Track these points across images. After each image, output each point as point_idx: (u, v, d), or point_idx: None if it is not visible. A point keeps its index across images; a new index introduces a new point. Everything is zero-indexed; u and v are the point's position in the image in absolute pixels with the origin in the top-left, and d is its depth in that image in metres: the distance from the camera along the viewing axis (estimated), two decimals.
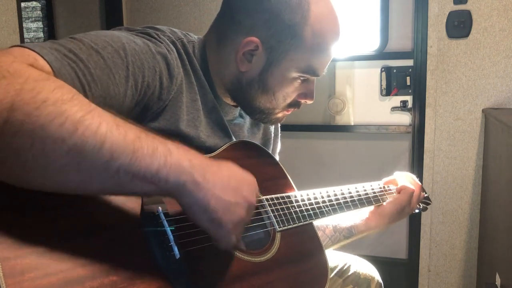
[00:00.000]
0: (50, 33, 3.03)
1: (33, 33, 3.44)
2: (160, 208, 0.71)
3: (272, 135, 1.15)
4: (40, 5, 3.34)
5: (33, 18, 3.41)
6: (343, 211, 1.06)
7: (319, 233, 1.00)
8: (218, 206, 0.66)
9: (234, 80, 0.92)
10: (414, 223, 2.27)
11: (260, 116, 0.98)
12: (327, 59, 0.94)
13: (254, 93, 0.93)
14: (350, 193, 1.11)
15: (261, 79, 0.91)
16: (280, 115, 0.99)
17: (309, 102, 0.98)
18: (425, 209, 1.30)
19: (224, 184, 0.68)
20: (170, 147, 0.64)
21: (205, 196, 0.65)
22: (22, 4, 3.24)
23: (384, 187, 1.19)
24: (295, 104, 0.97)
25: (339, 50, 0.95)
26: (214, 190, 0.66)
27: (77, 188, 0.59)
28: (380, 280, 1.23)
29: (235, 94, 0.95)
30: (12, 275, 0.54)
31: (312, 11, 0.87)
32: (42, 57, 0.62)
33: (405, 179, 1.22)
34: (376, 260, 1.40)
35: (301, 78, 0.93)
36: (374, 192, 1.16)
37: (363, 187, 1.15)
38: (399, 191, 1.17)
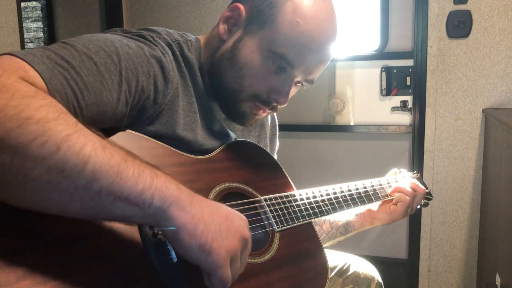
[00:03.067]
0: (50, 33, 3.03)
1: (33, 33, 3.44)
2: None
3: (268, 133, 1.14)
4: (40, 5, 3.34)
5: (33, 18, 3.41)
6: (342, 209, 1.06)
7: (317, 228, 1.00)
8: (207, 231, 0.62)
9: (214, 54, 0.90)
10: (414, 223, 2.27)
11: (225, 101, 0.91)
12: (307, 58, 0.86)
13: (224, 67, 0.88)
14: (349, 190, 1.10)
15: (232, 49, 0.87)
16: (245, 107, 0.90)
17: (281, 102, 0.89)
18: (426, 204, 1.29)
19: (213, 211, 0.65)
20: (158, 172, 0.62)
21: (192, 220, 0.62)
22: (22, 4, 3.24)
23: (381, 184, 1.19)
24: (265, 101, 0.89)
25: (324, 49, 0.87)
26: (202, 215, 0.63)
27: (57, 208, 0.56)
28: (380, 280, 1.23)
29: (212, 74, 0.90)
30: (7, 284, 0.54)
31: None
32: (33, 67, 0.60)
33: (408, 183, 1.20)
34: (376, 260, 1.40)
35: (275, 65, 0.86)
36: (374, 189, 1.15)
37: (363, 184, 1.15)
38: (395, 202, 1.17)
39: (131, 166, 0.59)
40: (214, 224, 0.64)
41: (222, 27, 0.89)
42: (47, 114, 0.54)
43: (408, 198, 1.16)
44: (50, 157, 0.53)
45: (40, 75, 0.61)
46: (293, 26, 0.84)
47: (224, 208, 0.68)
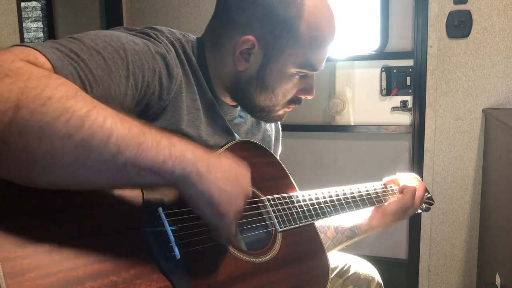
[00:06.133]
0: (50, 33, 3.03)
1: (33, 33, 3.44)
2: (161, 208, 0.71)
3: (273, 137, 1.15)
4: (40, 5, 3.34)
5: (33, 18, 3.41)
6: (345, 211, 1.06)
7: (321, 236, 1.00)
8: (221, 198, 0.68)
9: (232, 79, 0.92)
10: (414, 223, 2.27)
11: (261, 114, 0.98)
12: (325, 53, 0.93)
13: (253, 92, 0.92)
14: (352, 193, 1.10)
15: (259, 77, 0.91)
16: (281, 112, 0.99)
17: (309, 97, 0.98)
18: (428, 209, 1.29)
19: (226, 176, 0.70)
20: (173, 140, 0.65)
21: (209, 189, 0.66)
22: (22, 4, 3.24)
23: (386, 187, 1.19)
24: (295, 100, 0.97)
25: (336, 44, 0.94)
26: (217, 183, 0.68)
27: (85, 184, 0.59)
28: (380, 280, 1.23)
29: (234, 93, 0.95)
30: (13, 275, 0.54)
31: (306, 5, 0.87)
32: (44, 55, 0.62)
33: (408, 179, 1.22)
34: (376, 260, 1.40)
35: (300, 74, 0.92)
36: (376, 192, 1.15)
37: (365, 187, 1.15)
38: (401, 190, 1.17)
39: (149, 136, 0.62)
40: (228, 190, 0.69)
41: (237, 60, 0.89)
42: (66, 92, 0.56)
43: (412, 185, 1.18)
44: (76, 133, 0.55)
45: (50, 62, 0.62)
46: (313, 41, 0.89)
47: (234, 167, 0.73)
